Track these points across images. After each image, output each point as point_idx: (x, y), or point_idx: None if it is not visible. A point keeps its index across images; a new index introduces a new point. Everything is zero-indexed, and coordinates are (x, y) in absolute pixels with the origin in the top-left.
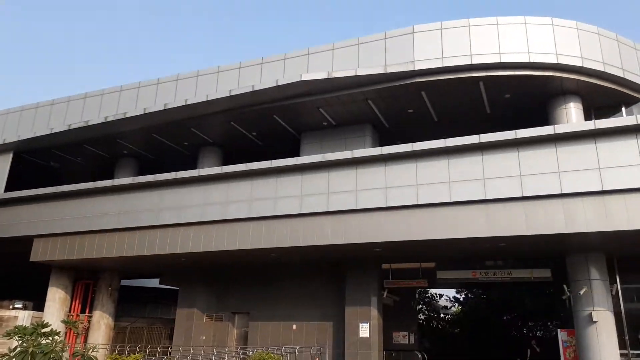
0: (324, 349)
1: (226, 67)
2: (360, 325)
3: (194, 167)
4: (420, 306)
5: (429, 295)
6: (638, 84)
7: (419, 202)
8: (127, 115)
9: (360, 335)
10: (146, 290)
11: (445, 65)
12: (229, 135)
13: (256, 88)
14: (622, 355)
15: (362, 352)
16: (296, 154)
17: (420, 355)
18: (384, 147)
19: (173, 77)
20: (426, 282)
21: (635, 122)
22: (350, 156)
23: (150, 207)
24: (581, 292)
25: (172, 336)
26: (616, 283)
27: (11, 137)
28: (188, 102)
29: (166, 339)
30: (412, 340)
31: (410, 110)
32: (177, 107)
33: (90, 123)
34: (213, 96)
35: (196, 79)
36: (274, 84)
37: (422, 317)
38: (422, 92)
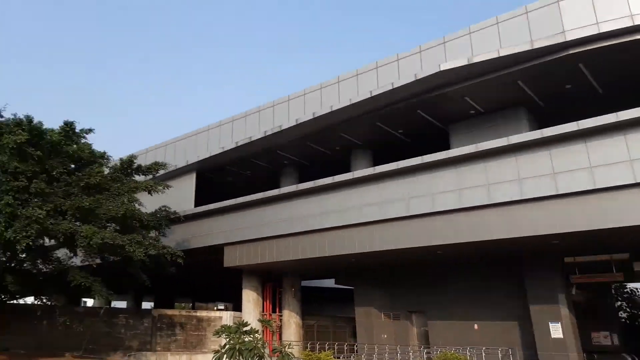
0: (514, 350)
1: (364, 68)
2: (551, 325)
3: (347, 171)
4: (620, 303)
5: (628, 289)
6: None
7: (597, 186)
8: (283, 128)
9: (553, 336)
10: (323, 290)
11: (602, 31)
12: (377, 135)
13: (395, 85)
14: None
15: (558, 355)
16: (446, 147)
17: (629, 358)
18: (544, 129)
19: (317, 86)
20: (622, 275)
21: None
22: (507, 143)
23: (314, 212)
24: None
25: (355, 334)
26: None
27: (192, 158)
28: (333, 108)
29: (350, 336)
30: (615, 341)
31: (568, 86)
32: (324, 114)
33: (253, 138)
34: (355, 99)
35: (337, 85)
36: (413, 79)
37: (624, 315)
38: (579, 65)
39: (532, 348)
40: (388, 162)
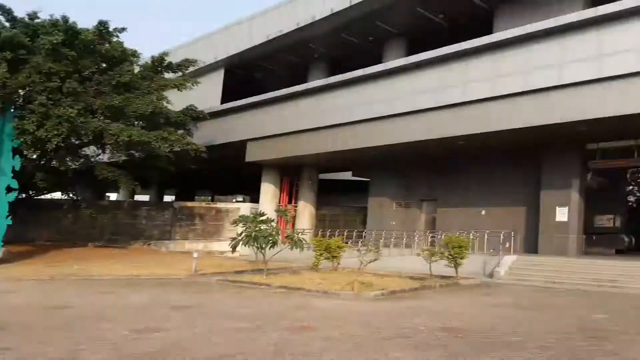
0: (515, 234)
1: None
2: (558, 209)
3: (380, 62)
4: (631, 187)
5: None
6: None
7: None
8: (316, 19)
9: (557, 219)
10: (341, 182)
11: None
12: (414, 23)
13: None
14: None
15: (558, 236)
16: (489, 32)
17: (626, 238)
18: (598, 7)
19: None
20: None
21: None
22: (554, 24)
23: (342, 105)
24: None
25: (366, 222)
26: None
27: (221, 55)
28: None
29: (361, 224)
30: (617, 223)
31: None
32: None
33: (284, 31)
34: None
35: None
36: None
37: (633, 199)
38: None
39: (535, 231)
40: (426, 51)
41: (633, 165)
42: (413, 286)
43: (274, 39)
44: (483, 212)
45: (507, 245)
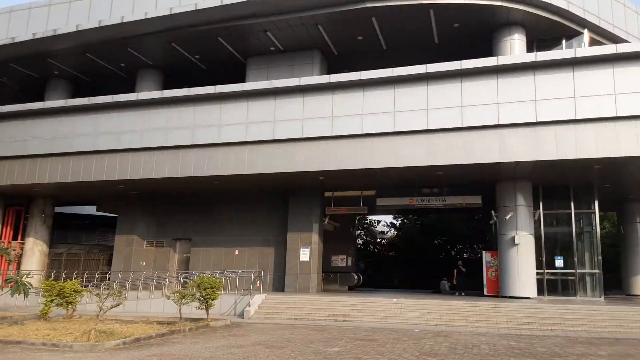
0: (265, 273)
1: None
2: (302, 249)
3: (132, 91)
4: (359, 231)
5: (368, 221)
6: (580, 16)
7: (365, 132)
8: (58, 33)
9: (301, 259)
10: (83, 217)
11: None
12: (170, 57)
13: (199, 7)
14: (538, 274)
15: (302, 275)
16: (242, 79)
17: (356, 276)
18: (331, 75)
19: None
20: (366, 209)
21: (573, 56)
22: (297, 83)
23: (86, 131)
24: (507, 217)
25: (111, 262)
26: (539, 209)
27: None
28: (125, 20)
29: (105, 265)
30: (349, 263)
31: (359, 38)
32: (112, 24)
33: (17, 40)
34: (152, 14)
35: None
36: (219, 3)
37: (360, 242)
38: (372, 18)
39: (283, 270)
40: (179, 87)
41: (359, 213)
42: (160, 331)
43: (3, 45)
44: (237, 252)
45: (258, 284)
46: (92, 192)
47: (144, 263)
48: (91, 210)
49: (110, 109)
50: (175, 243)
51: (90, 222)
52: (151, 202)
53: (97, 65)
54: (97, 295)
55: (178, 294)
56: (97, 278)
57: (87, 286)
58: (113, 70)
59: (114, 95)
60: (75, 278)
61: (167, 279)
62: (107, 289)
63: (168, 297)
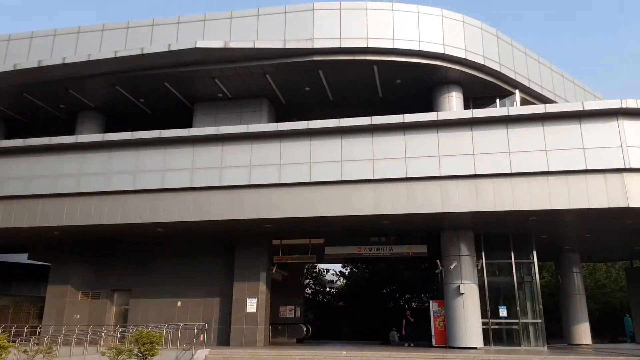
0: (210, 325)
1: (112, 25)
2: (248, 300)
3: (72, 133)
4: (308, 281)
5: (317, 270)
6: (512, 78)
7: (312, 180)
8: None
9: (248, 310)
10: (13, 265)
11: (342, 46)
12: (113, 100)
13: (146, 51)
14: (483, 323)
15: (248, 327)
16: (188, 124)
17: (304, 328)
18: (279, 124)
19: (50, 31)
20: (314, 257)
21: (505, 114)
22: (245, 130)
23: (19, 174)
24: (452, 267)
25: (42, 315)
26: (482, 258)
27: None
28: (67, 61)
29: (35, 318)
30: (297, 314)
31: (307, 88)
32: (54, 65)
33: None
34: (96, 56)
35: (77, 35)
36: (166, 49)
37: (309, 291)
38: (319, 71)
39: (229, 322)
40: (123, 131)
41: (307, 261)
42: None
43: None
44: (179, 304)
45: (202, 338)
46: (23, 238)
47: (79, 316)
48: (22, 258)
49: (47, 152)
50: (113, 294)
51: (20, 271)
52: (88, 250)
53: (35, 106)
54: (25, 352)
55: (114, 350)
56: (26, 332)
57: (14, 341)
58: (52, 112)
59: (52, 137)
60: (2, 332)
61: (103, 334)
62: (37, 344)
63: (103, 354)
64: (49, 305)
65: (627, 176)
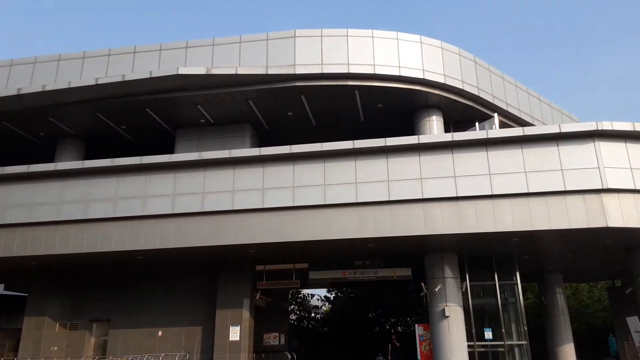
0: (192, 355)
1: (93, 52)
2: (231, 328)
3: (51, 160)
4: (293, 306)
5: (302, 295)
6: (490, 102)
7: (295, 204)
8: None
9: (231, 338)
10: None
11: (324, 71)
12: (94, 127)
13: (127, 78)
14: (469, 346)
15: (231, 356)
16: (170, 150)
17: (289, 356)
18: (262, 148)
19: (30, 59)
20: (299, 282)
21: (485, 137)
22: (228, 156)
23: None
24: (436, 289)
25: (18, 348)
26: (466, 281)
27: None
28: (47, 88)
29: (11, 351)
30: (282, 341)
31: (289, 113)
32: (34, 92)
33: None
34: (77, 83)
35: (57, 63)
36: (147, 76)
37: (294, 317)
38: (301, 96)
39: (211, 352)
40: (103, 157)
41: (291, 287)
42: None
43: None
44: (160, 333)
45: None
46: (0, 269)
47: (56, 348)
48: None
49: (24, 180)
50: (91, 325)
51: None
52: (66, 279)
53: (14, 134)
54: None
55: None
56: None
57: None
58: (31, 139)
59: (30, 165)
60: None
61: None
62: None
63: None
64: (25, 337)
65: (605, 197)
